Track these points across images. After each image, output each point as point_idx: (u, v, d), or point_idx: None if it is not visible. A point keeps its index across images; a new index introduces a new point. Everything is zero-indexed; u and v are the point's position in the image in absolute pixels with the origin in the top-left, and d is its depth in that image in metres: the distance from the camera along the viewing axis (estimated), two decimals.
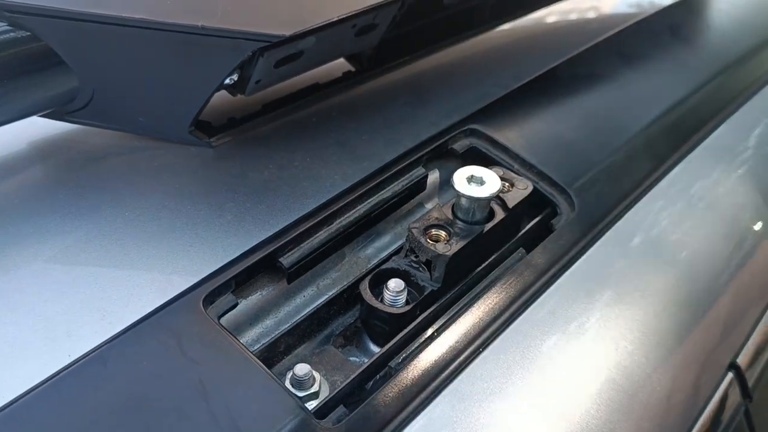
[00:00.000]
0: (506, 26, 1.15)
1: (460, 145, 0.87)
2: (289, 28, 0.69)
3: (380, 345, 0.72)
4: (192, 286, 0.65)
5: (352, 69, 0.98)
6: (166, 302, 0.63)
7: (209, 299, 0.64)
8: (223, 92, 0.80)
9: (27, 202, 0.74)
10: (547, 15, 1.26)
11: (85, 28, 0.69)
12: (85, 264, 0.68)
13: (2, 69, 0.69)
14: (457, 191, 0.71)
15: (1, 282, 0.66)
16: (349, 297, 0.73)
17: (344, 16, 0.74)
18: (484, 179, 0.72)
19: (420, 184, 0.83)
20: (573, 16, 1.27)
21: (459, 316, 0.69)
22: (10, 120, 0.73)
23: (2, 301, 0.64)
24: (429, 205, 0.86)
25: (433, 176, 0.86)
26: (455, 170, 0.72)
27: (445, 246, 0.71)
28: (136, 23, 0.68)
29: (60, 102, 0.76)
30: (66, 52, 0.71)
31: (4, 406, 0.55)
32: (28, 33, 0.69)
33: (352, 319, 0.74)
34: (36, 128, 0.82)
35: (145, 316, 0.62)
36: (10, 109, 0.72)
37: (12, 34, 0.69)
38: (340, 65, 0.98)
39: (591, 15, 1.29)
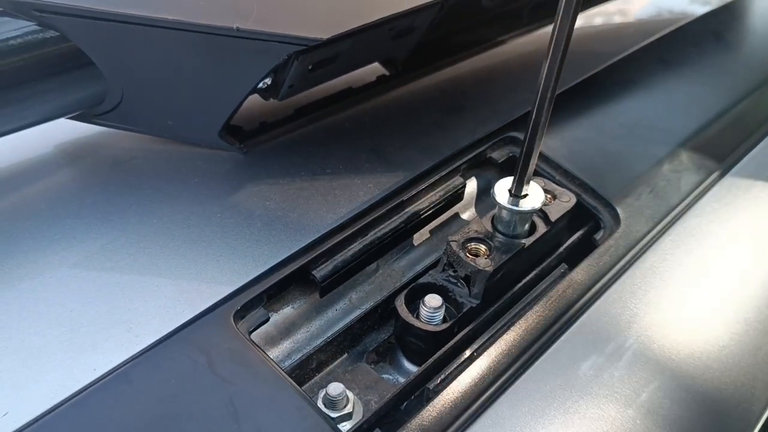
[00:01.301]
0: (544, 30, 1.12)
1: (499, 154, 0.84)
2: (326, 32, 0.66)
3: (415, 363, 0.69)
4: (222, 299, 0.62)
5: (387, 73, 0.95)
6: (195, 316, 0.61)
7: (240, 313, 0.62)
8: (255, 96, 0.78)
9: (53, 206, 0.72)
10: (587, 20, 1.22)
11: (115, 29, 0.67)
12: (111, 272, 0.66)
13: (30, 70, 0.67)
14: (498, 203, 0.68)
15: (26, 290, 0.64)
16: (383, 312, 0.70)
17: (382, 19, 0.71)
18: (526, 191, 0.68)
19: (457, 194, 0.79)
20: (612, 22, 1.24)
21: (499, 336, 0.66)
22: (37, 122, 0.71)
23: (27, 309, 0.62)
24: (466, 216, 0.83)
25: (471, 186, 0.83)
26: (493, 180, 0.69)
27: (486, 261, 0.67)
28: (167, 24, 0.66)
29: (88, 104, 0.74)
30: (95, 53, 0.69)
31: (27, 424, 0.53)
32: (57, 33, 0.67)
33: (385, 334, 0.71)
34: (63, 131, 0.80)
35: (173, 330, 0.59)
36: (38, 111, 0.70)
37: (40, 34, 0.67)
38: (374, 69, 0.95)
39: (631, 20, 1.25)
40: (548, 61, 0.58)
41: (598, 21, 1.25)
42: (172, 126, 0.77)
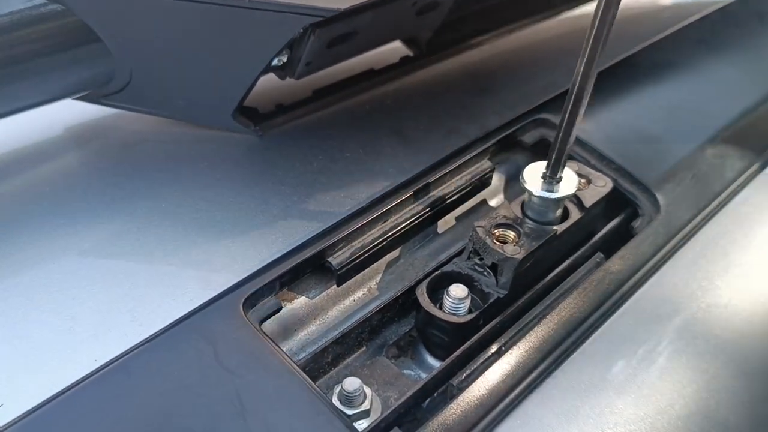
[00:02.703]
0: (572, 12, 1.07)
1: (529, 137, 0.79)
2: (345, 2, 0.62)
3: (438, 357, 0.64)
4: (232, 286, 0.58)
5: (410, 53, 0.91)
6: (202, 304, 0.57)
7: (250, 302, 0.58)
8: (271, 76, 0.74)
9: (59, 190, 0.69)
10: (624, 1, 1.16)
11: (123, 2, 0.63)
12: (117, 259, 0.63)
13: (34, 46, 0.64)
14: (528, 189, 0.63)
15: (28, 277, 0.61)
16: (404, 303, 0.65)
17: None
18: (558, 176, 0.63)
19: (485, 179, 0.75)
20: (649, 2, 1.18)
21: (529, 329, 0.61)
22: (41, 102, 0.68)
23: (29, 297, 0.60)
24: (494, 202, 0.78)
25: (499, 170, 0.78)
26: (523, 164, 0.65)
27: (514, 248, 0.63)
28: None
29: (96, 84, 0.71)
30: (102, 29, 0.66)
31: (24, 414, 0.50)
32: (62, 7, 0.64)
33: (406, 327, 0.66)
34: (70, 112, 0.77)
35: (178, 319, 0.56)
36: (42, 90, 0.67)
37: (44, 8, 0.64)
38: (396, 49, 0.91)
39: (668, 1, 1.19)
40: (591, 37, 0.54)
41: (635, 1, 1.19)
42: (183, 107, 0.73)
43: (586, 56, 0.55)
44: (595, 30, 0.54)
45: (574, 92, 0.57)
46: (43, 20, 0.64)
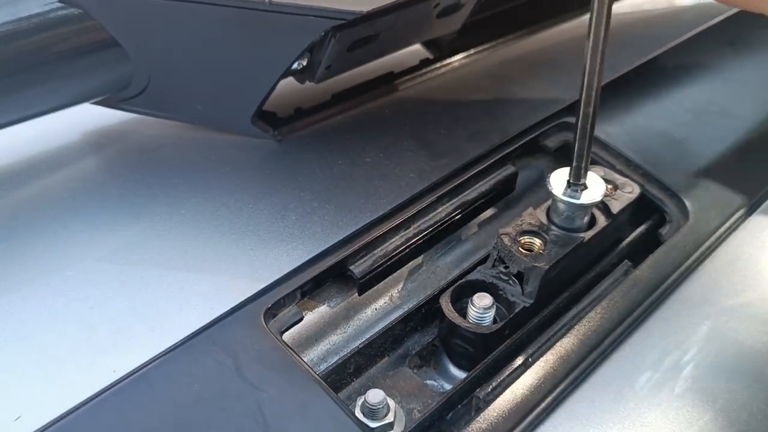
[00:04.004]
0: None
1: (553, 141, 0.77)
2: (367, 4, 0.60)
3: (461, 367, 0.63)
4: (252, 295, 0.57)
5: (430, 56, 0.90)
6: (222, 314, 0.56)
7: (271, 312, 0.56)
8: (290, 79, 0.73)
9: (76, 196, 0.68)
10: (644, 1, 1.15)
11: (141, 5, 0.62)
12: (135, 266, 0.62)
13: (51, 51, 0.63)
14: (554, 195, 0.61)
15: (45, 284, 0.60)
16: (427, 312, 0.64)
17: None
18: (585, 182, 0.62)
19: (509, 184, 0.73)
20: (672, 3, 1.16)
21: (556, 340, 0.59)
22: (59, 107, 0.67)
23: (46, 306, 0.58)
24: (516, 207, 0.76)
25: (522, 175, 0.76)
26: (546, 168, 0.63)
27: (541, 256, 0.61)
28: None
29: (113, 88, 0.70)
30: (120, 33, 0.65)
31: (43, 427, 0.49)
32: (80, 11, 0.63)
33: (429, 336, 0.64)
34: (87, 117, 0.76)
35: (198, 330, 0.54)
36: (60, 95, 0.67)
37: (62, 11, 0.63)
38: (416, 52, 0.89)
39: (691, 2, 1.17)
40: (591, 38, 0.54)
41: (656, 3, 1.17)
42: (201, 111, 0.72)
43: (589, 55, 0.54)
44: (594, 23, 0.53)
45: (583, 94, 0.56)
46: (61, 24, 0.63)
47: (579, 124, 0.58)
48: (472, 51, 0.91)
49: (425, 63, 0.88)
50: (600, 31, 0.54)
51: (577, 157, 0.59)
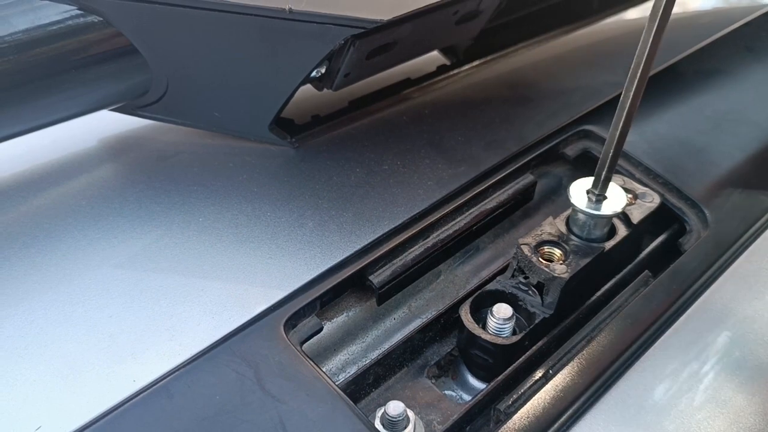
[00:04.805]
0: (612, 19, 1.04)
1: (572, 149, 0.77)
2: (387, 13, 0.60)
3: (480, 378, 0.62)
4: (272, 306, 0.57)
5: (447, 62, 0.89)
6: (242, 324, 0.55)
7: (291, 322, 0.56)
8: (307, 86, 0.73)
9: (94, 203, 0.68)
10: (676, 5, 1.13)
11: (161, 13, 0.62)
12: (153, 274, 0.62)
13: (71, 58, 0.63)
14: (575, 206, 0.61)
15: (64, 293, 0.60)
16: (446, 322, 0.63)
17: (447, 1, 0.65)
18: (606, 193, 0.61)
19: (527, 193, 0.73)
20: (693, 7, 1.15)
21: (577, 352, 0.59)
22: (78, 114, 0.67)
23: (65, 314, 0.58)
24: (534, 217, 0.76)
25: (540, 183, 0.76)
26: (564, 177, 0.62)
27: (561, 267, 0.61)
28: (215, 6, 0.61)
29: (132, 95, 0.70)
30: (139, 40, 0.65)
31: None
32: (99, 18, 0.63)
33: (447, 346, 0.64)
34: (105, 123, 0.76)
35: (218, 340, 0.54)
36: (79, 102, 0.67)
37: (82, 19, 0.63)
38: (433, 58, 0.89)
39: (713, 5, 1.16)
40: (648, 45, 0.52)
41: (680, 8, 1.16)
42: (219, 119, 0.72)
43: (642, 66, 0.53)
44: (652, 36, 0.52)
45: (626, 104, 0.55)
46: (81, 32, 0.63)
47: (610, 135, 0.57)
48: (488, 57, 0.91)
49: (442, 69, 0.88)
50: (656, 37, 0.52)
51: (607, 168, 0.58)
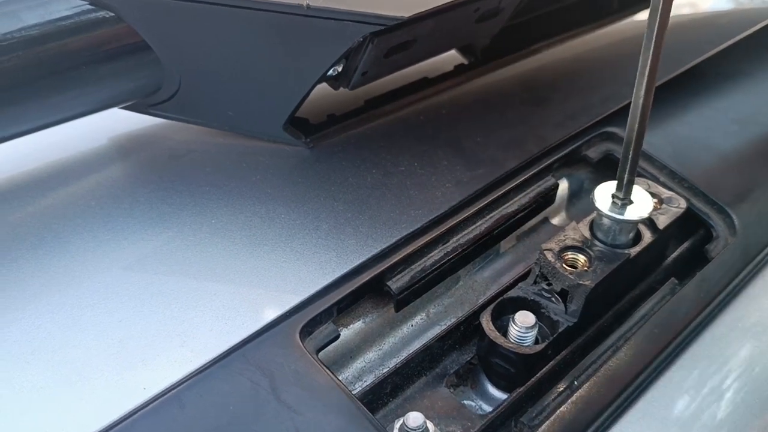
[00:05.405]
0: (634, 18, 1.02)
1: (594, 152, 0.74)
2: (408, 10, 0.58)
3: (501, 388, 0.60)
4: (287, 312, 0.55)
5: (465, 62, 0.87)
6: (256, 331, 0.53)
7: (307, 329, 0.54)
8: (322, 84, 0.71)
9: (103, 204, 0.66)
10: (686, 5, 1.11)
11: (173, 8, 0.60)
12: (164, 277, 0.60)
13: (81, 54, 0.62)
14: (600, 211, 0.59)
15: (72, 296, 0.58)
16: (465, 329, 0.61)
17: None
18: (631, 197, 0.59)
19: (549, 196, 0.70)
20: (716, 7, 1.13)
21: (602, 363, 0.57)
22: (88, 112, 0.66)
23: (73, 318, 0.57)
24: (556, 221, 0.73)
25: (561, 186, 0.74)
26: (586, 180, 0.60)
27: (586, 273, 0.59)
28: (230, 2, 0.59)
29: (143, 93, 0.68)
30: (152, 36, 0.63)
31: None
32: (111, 13, 0.61)
33: (467, 355, 0.62)
34: (116, 121, 0.74)
35: (232, 347, 0.52)
36: (89, 99, 0.65)
37: (93, 14, 0.61)
38: (451, 57, 0.87)
39: (737, 5, 1.14)
40: (646, 46, 0.50)
41: (693, 9, 1.14)
42: (233, 117, 0.70)
43: (649, 63, 0.51)
44: (656, 31, 0.50)
45: (639, 104, 0.53)
46: (92, 27, 0.61)
47: (627, 137, 0.55)
48: (507, 56, 0.89)
49: (460, 69, 0.86)
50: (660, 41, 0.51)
51: (628, 171, 0.56)
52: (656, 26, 0.49)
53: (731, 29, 1.00)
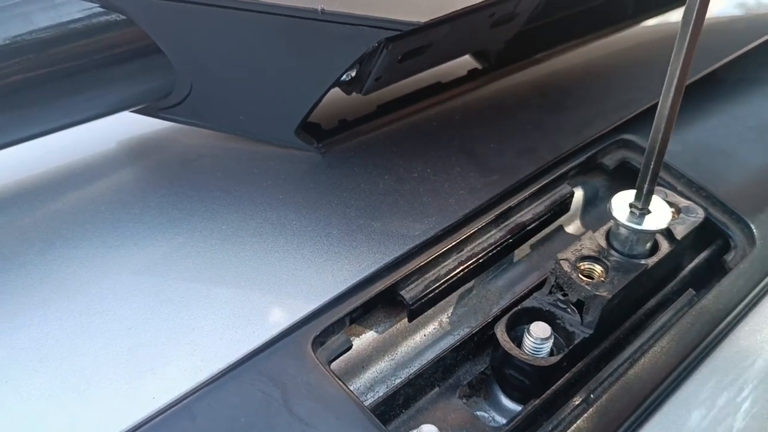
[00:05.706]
0: (649, 23, 1.01)
1: (611, 159, 0.73)
2: (424, 15, 0.57)
3: (515, 399, 0.59)
4: (299, 321, 0.54)
5: (479, 67, 0.86)
6: (268, 341, 0.53)
7: (320, 339, 0.53)
8: (334, 90, 0.70)
9: (113, 208, 0.66)
10: None
11: (185, 11, 0.60)
12: (174, 284, 0.59)
13: (92, 57, 0.61)
14: (618, 221, 0.58)
15: (81, 302, 0.58)
16: (479, 340, 0.60)
17: (484, 3, 0.62)
18: (649, 207, 0.58)
19: (564, 205, 0.69)
20: (733, 12, 1.11)
21: (619, 375, 0.56)
22: (98, 115, 0.65)
23: (82, 325, 0.56)
24: (571, 229, 0.72)
25: (576, 194, 0.73)
26: (601, 188, 0.59)
27: (603, 284, 0.57)
28: (243, 6, 0.58)
29: (154, 96, 0.67)
30: (163, 39, 0.62)
31: None
32: (122, 16, 0.60)
33: (480, 365, 0.61)
34: (127, 125, 0.74)
35: (243, 357, 0.51)
36: (100, 103, 0.64)
37: (104, 17, 0.60)
38: (465, 62, 0.86)
39: (753, 11, 1.13)
40: (678, 52, 0.49)
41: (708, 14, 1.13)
42: (244, 122, 0.69)
43: (678, 72, 0.50)
44: (687, 42, 0.49)
45: (665, 113, 0.52)
46: (103, 30, 0.60)
47: (650, 146, 0.54)
48: (521, 61, 0.88)
49: (474, 74, 0.85)
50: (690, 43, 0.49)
51: (648, 181, 0.55)
52: (687, 37, 0.48)
53: (748, 34, 0.99)
